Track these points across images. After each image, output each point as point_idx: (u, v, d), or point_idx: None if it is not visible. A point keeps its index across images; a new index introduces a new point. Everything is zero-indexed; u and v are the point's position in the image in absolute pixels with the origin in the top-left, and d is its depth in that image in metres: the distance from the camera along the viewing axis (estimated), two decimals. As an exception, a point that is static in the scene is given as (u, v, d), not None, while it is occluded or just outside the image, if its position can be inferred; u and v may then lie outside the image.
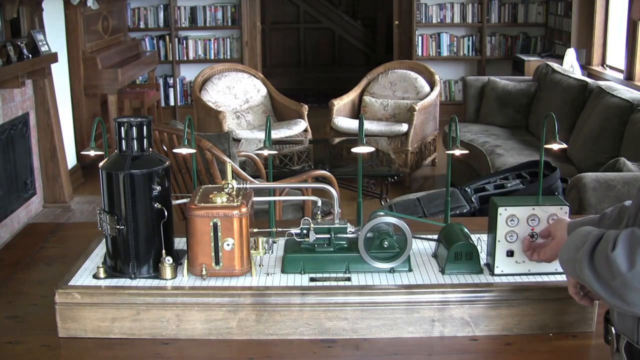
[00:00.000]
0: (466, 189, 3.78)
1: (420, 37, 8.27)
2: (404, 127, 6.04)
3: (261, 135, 5.92)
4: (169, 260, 1.73)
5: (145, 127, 1.73)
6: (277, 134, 5.86)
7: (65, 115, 5.89)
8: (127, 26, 7.85)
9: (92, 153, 1.89)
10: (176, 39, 8.25)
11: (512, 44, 8.27)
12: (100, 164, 1.74)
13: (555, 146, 1.88)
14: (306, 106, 6.37)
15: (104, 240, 1.79)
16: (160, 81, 8.28)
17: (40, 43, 5.01)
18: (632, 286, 1.14)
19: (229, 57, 8.26)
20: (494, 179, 3.93)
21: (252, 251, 1.78)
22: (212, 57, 8.26)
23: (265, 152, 1.95)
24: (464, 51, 8.35)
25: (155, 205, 1.72)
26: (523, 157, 4.87)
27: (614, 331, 1.33)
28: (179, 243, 1.90)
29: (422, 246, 1.93)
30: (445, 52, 8.34)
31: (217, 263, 1.71)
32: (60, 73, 5.79)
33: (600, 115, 4.76)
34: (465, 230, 1.84)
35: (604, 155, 4.49)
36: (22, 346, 1.65)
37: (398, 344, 1.65)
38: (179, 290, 1.68)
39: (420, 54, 8.28)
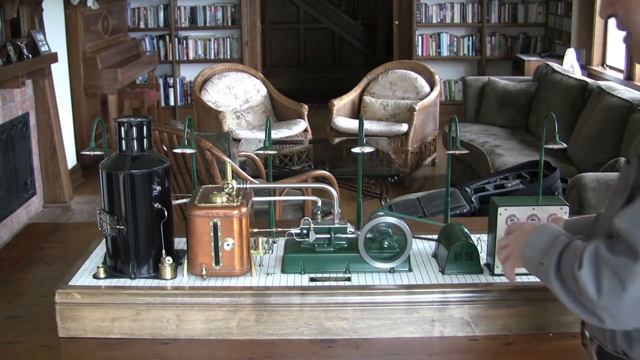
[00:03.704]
0: (466, 189, 3.78)
1: (420, 37, 8.27)
2: (404, 127, 6.04)
3: (261, 135, 5.92)
4: (169, 260, 1.73)
5: (145, 127, 1.73)
6: (277, 134, 5.85)
7: (65, 115, 5.89)
8: (127, 26, 7.85)
9: (92, 153, 1.89)
10: (176, 39, 8.24)
11: (512, 44, 8.26)
12: (100, 163, 1.75)
13: (555, 146, 1.88)
14: (306, 106, 6.36)
15: (104, 240, 1.79)
16: (160, 81, 8.27)
17: (40, 43, 5.01)
18: (606, 309, 1.11)
19: (229, 57, 8.26)
20: (494, 179, 3.93)
21: (252, 251, 1.78)
22: (212, 57, 8.25)
23: (265, 152, 1.95)
24: (464, 51, 8.34)
25: (155, 205, 1.72)
26: (523, 157, 4.87)
27: (587, 334, 1.32)
28: (179, 243, 1.90)
29: (422, 246, 1.93)
30: (445, 52, 8.34)
31: (217, 263, 1.71)
32: (60, 73, 5.79)
33: (600, 115, 4.76)
34: (465, 230, 1.84)
35: (604, 155, 4.49)
36: (22, 346, 1.65)
37: (398, 344, 1.65)
38: (179, 290, 1.68)
39: (420, 54, 8.27)
